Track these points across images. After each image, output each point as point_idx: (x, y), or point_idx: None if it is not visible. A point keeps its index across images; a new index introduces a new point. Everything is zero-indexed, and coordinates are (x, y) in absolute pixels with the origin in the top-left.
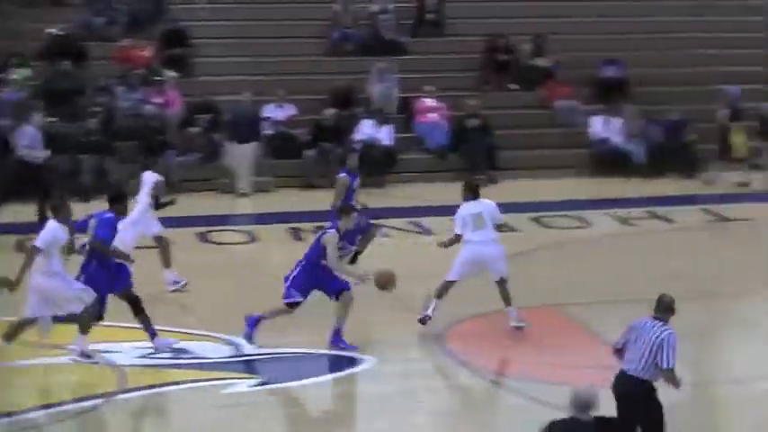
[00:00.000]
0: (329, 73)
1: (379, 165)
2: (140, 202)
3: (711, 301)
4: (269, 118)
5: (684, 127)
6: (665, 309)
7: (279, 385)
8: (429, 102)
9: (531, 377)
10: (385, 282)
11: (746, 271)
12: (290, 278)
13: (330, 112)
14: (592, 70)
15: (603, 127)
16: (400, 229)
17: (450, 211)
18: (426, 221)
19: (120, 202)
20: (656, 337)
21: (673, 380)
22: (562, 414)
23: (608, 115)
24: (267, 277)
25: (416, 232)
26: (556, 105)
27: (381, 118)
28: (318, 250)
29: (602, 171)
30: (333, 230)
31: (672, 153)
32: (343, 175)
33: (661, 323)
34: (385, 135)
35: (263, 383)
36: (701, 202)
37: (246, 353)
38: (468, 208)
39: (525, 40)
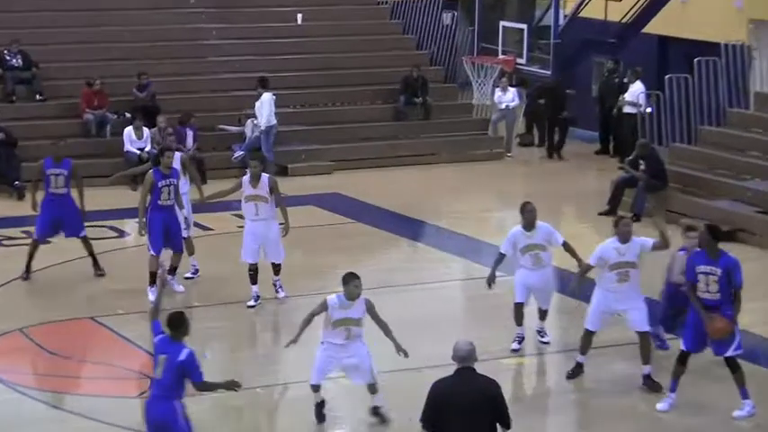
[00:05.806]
0: None
1: None
2: None
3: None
4: None
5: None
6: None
7: None
8: None
9: (75, 391)
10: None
11: None
12: None
13: None
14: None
15: (133, 137)
16: None
17: None
18: None
19: None
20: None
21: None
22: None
23: (141, 126)
24: None
25: None
26: (85, 116)
27: None
28: None
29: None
30: None
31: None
32: None
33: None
34: None
35: None
36: None
37: None
38: None
39: (44, 50)
